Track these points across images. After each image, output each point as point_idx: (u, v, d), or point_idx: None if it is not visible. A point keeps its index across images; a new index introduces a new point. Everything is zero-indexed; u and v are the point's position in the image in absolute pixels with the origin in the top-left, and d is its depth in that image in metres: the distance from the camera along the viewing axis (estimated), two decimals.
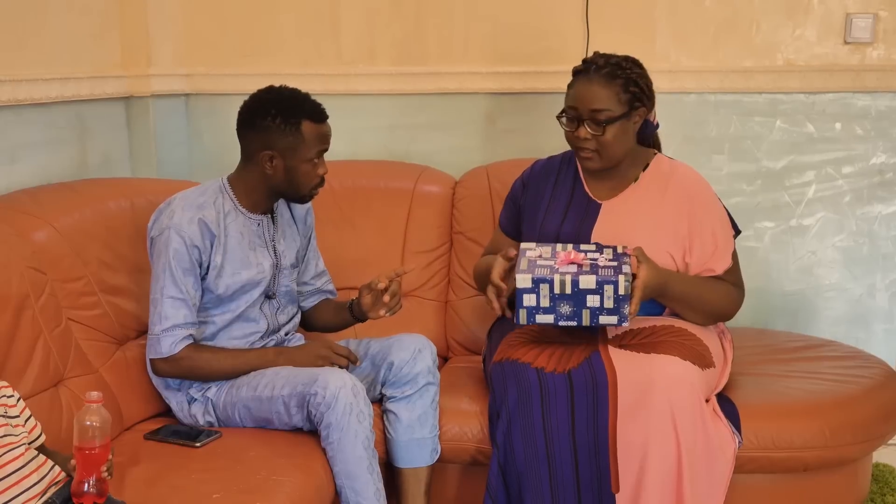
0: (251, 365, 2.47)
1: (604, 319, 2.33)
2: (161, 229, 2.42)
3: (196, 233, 2.41)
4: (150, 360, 2.44)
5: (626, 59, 2.52)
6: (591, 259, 2.38)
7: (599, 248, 2.43)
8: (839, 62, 3.19)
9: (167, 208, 2.46)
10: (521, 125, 3.31)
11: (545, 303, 2.33)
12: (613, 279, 2.29)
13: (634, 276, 2.36)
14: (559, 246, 2.44)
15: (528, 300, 2.33)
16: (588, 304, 2.32)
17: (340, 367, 2.45)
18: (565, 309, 2.33)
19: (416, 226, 3.15)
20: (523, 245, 2.47)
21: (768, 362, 2.77)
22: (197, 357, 2.43)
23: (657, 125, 2.64)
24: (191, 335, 2.43)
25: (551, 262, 2.37)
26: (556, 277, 2.31)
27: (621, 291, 2.29)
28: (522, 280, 2.32)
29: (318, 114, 2.46)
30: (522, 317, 2.35)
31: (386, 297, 2.51)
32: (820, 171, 3.26)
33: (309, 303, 2.76)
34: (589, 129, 2.47)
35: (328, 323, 2.75)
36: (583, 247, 2.44)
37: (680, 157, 2.72)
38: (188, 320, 2.42)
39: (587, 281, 2.30)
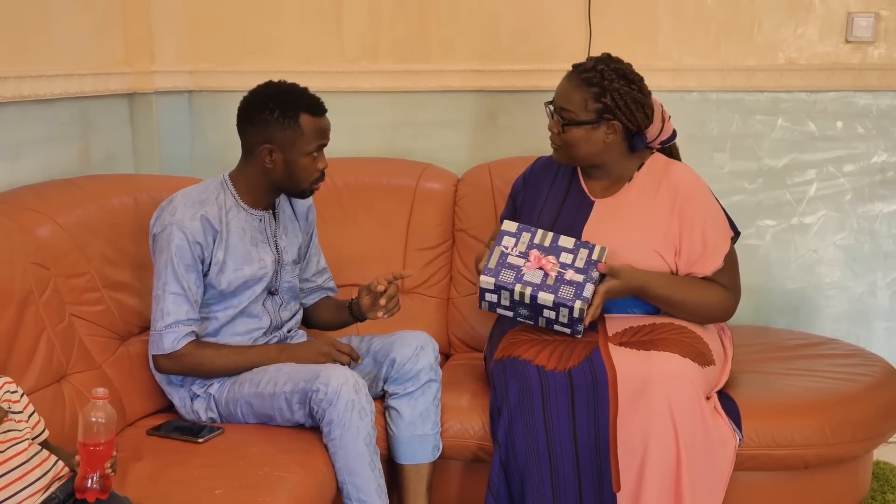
0: (253, 361, 2.47)
1: (558, 328, 2.43)
2: (163, 226, 2.42)
3: (198, 229, 2.41)
4: (153, 356, 2.45)
5: (617, 70, 2.48)
6: (560, 268, 2.40)
7: (578, 247, 2.44)
8: (840, 61, 3.20)
9: (169, 205, 2.46)
10: (523, 123, 3.31)
11: (505, 302, 2.44)
12: (570, 304, 2.35)
13: (603, 277, 2.40)
14: (539, 235, 2.46)
15: (490, 297, 2.44)
16: (544, 315, 2.41)
17: (342, 363, 2.46)
18: (524, 312, 2.44)
19: (418, 223, 3.15)
20: (505, 224, 2.51)
21: (769, 360, 2.78)
22: (199, 354, 2.44)
23: (674, 134, 2.60)
24: (193, 332, 2.43)
25: (520, 263, 2.42)
26: (517, 287, 2.38)
27: (576, 314, 2.36)
28: (485, 282, 2.42)
29: (316, 107, 2.46)
30: (485, 307, 2.47)
31: (382, 301, 2.51)
32: (821, 170, 3.26)
33: (309, 300, 2.76)
34: (554, 124, 2.53)
35: (328, 321, 2.75)
36: (562, 241, 2.45)
37: (681, 156, 2.72)
38: (190, 317, 2.42)
39: (545, 298, 2.37)
